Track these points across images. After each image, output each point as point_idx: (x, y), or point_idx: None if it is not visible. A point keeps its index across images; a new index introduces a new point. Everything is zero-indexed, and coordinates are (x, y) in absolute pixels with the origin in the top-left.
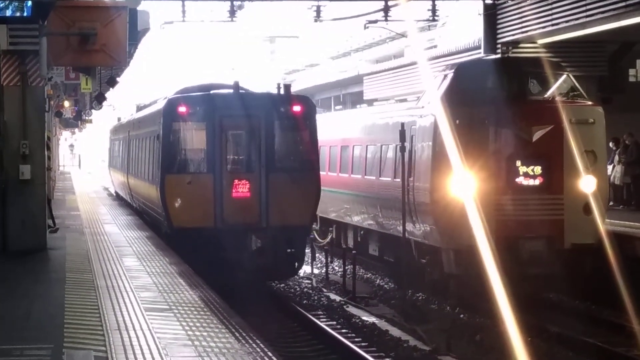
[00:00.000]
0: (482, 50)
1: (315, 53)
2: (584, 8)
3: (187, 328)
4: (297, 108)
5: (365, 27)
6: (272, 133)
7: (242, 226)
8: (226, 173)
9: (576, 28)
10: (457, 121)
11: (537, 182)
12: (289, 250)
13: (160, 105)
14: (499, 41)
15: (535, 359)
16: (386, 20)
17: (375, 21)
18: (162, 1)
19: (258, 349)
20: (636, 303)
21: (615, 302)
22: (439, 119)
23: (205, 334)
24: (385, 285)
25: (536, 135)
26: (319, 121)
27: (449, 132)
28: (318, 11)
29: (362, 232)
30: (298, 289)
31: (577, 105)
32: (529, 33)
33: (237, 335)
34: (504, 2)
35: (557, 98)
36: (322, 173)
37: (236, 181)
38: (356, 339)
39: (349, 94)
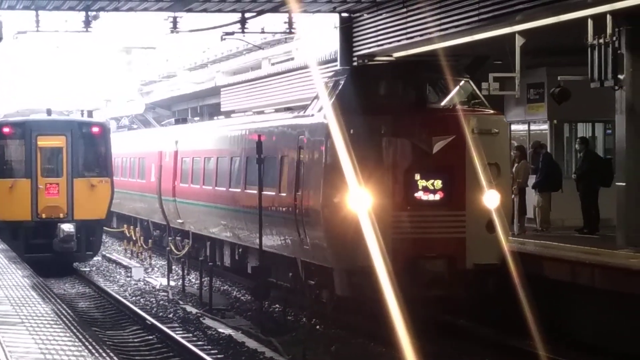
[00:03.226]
0: (338, 63)
1: (172, 64)
2: (437, 22)
3: (39, 341)
4: (95, 129)
5: (222, 39)
6: (76, 148)
7: (53, 219)
8: (40, 178)
9: (430, 42)
10: (352, 130)
11: (437, 197)
12: (91, 239)
13: None
14: (355, 54)
15: None
16: (243, 32)
17: (232, 33)
18: (15, 10)
19: None
20: (541, 327)
21: (519, 325)
22: (332, 128)
23: (57, 347)
24: (242, 297)
25: (436, 147)
26: (196, 130)
27: (342, 143)
28: (174, 22)
29: (240, 250)
30: (154, 302)
31: (480, 115)
32: (385, 46)
33: (91, 348)
34: (360, 16)
35: (458, 106)
36: (195, 186)
37: (48, 184)
38: (212, 351)
39: (206, 105)
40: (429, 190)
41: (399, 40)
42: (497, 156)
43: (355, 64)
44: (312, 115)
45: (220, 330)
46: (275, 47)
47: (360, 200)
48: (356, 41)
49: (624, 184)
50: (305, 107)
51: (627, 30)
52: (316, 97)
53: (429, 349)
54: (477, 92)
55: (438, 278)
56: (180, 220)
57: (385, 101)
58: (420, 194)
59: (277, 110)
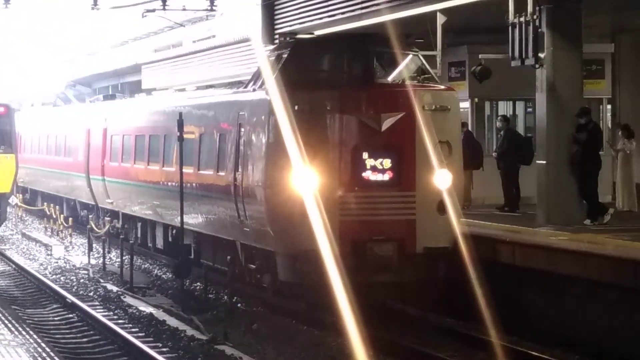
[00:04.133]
0: (260, 40)
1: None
2: (359, 0)
3: None
4: (1, 109)
5: (143, 16)
6: None
7: None
8: None
9: (352, 20)
10: (296, 107)
11: (386, 177)
12: None
13: None
14: (277, 32)
15: None
16: (164, 9)
17: (154, 10)
18: None
19: (31, 340)
20: (493, 313)
21: (471, 311)
22: (275, 105)
23: None
24: (163, 276)
25: (385, 124)
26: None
27: (286, 119)
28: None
29: (174, 231)
30: (75, 280)
31: (431, 90)
32: (306, 24)
33: (10, 326)
34: None
35: (408, 81)
36: (126, 165)
37: None
38: (133, 329)
39: (127, 83)
40: (377, 169)
41: (320, 18)
42: (449, 134)
43: (276, 41)
44: (254, 90)
45: (141, 308)
46: (197, 24)
47: (305, 180)
48: (278, 19)
49: (544, 162)
50: (244, 83)
51: (547, 9)
52: (257, 72)
53: (374, 335)
54: (427, 66)
55: (387, 262)
56: (109, 200)
57: (330, 76)
58: (368, 174)
59: (198, 88)
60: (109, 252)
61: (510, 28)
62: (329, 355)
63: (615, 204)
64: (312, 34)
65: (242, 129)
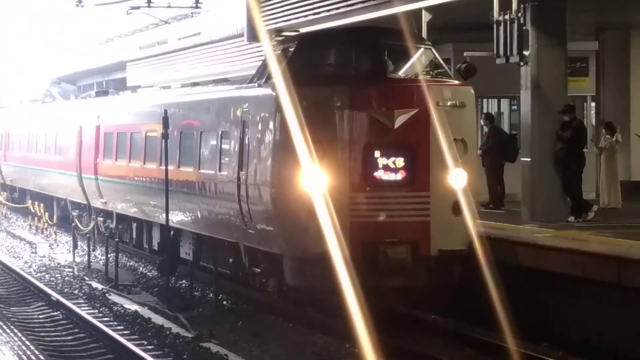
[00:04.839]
0: (245, 38)
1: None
2: None
3: None
4: None
5: (127, 13)
6: None
7: None
8: None
9: (337, 17)
10: (304, 103)
11: (399, 176)
12: None
13: None
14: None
15: None
16: (149, 6)
17: (138, 7)
18: None
19: (16, 338)
20: (510, 319)
21: (488, 317)
22: (283, 101)
23: None
24: (149, 273)
25: (398, 121)
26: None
27: (294, 116)
28: None
29: (172, 233)
30: (60, 278)
31: (445, 85)
32: (292, 22)
33: None
34: None
35: (421, 76)
36: (120, 164)
37: None
38: (118, 327)
39: (112, 80)
40: (390, 169)
41: (305, 16)
42: (464, 131)
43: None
44: (259, 86)
45: (126, 306)
46: (182, 21)
47: (313, 180)
48: (264, 16)
49: (528, 159)
50: (250, 79)
51: (532, 7)
52: (261, 67)
53: (388, 343)
54: (440, 60)
55: (400, 266)
56: (102, 200)
57: (340, 70)
58: (380, 173)
59: (183, 85)
60: (94, 250)
61: (495, 26)
62: (315, 352)
63: (599, 201)
64: (297, 31)
65: (247, 127)
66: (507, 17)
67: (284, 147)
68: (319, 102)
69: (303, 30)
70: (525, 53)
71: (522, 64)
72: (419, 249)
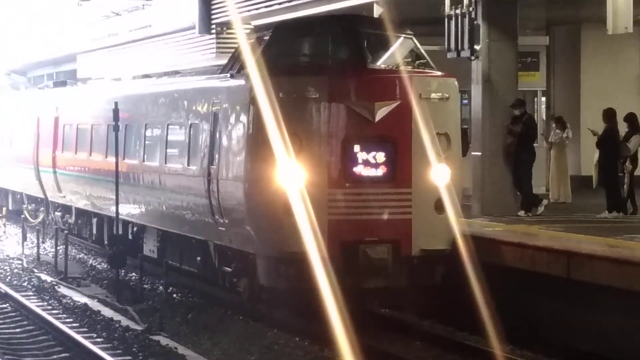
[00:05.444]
0: (196, 30)
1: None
2: None
3: None
4: None
5: (79, 5)
6: None
7: None
8: None
9: (290, 10)
10: (280, 94)
11: (379, 172)
12: None
13: None
14: (214, 22)
15: None
16: None
17: None
18: None
19: None
20: (495, 322)
21: (470, 320)
22: (257, 92)
23: None
24: (98, 266)
25: (379, 114)
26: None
27: (269, 108)
28: None
29: (135, 228)
30: (8, 270)
31: (428, 77)
32: (243, 14)
33: None
34: None
35: (402, 67)
36: (81, 157)
37: None
38: (67, 320)
39: (62, 72)
40: (370, 164)
41: (257, 9)
42: (447, 125)
43: (213, 32)
44: (231, 76)
45: (75, 298)
46: (133, 13)
47: (290, 175)
48: (215, 9)
49: (479, 153)
50: (221, 69)
51: (483, 1)
52: (233, 57)
53: (368, 345)
54: (422, 51)
55: (380, 266)
56: (61, 194)
57: (317, 60)
58: (360, 169)
59: (134, 78)
60: (43, 243)
61: (446, 20)
62: (264, 345)
63: (549, 195)
64: (249, 24)
65: (218, 119)
66: (458, 11)
67: (258, 140)
68: (296, 93)
69: (254, 23)
70: (477, 47)
71: (473, 58)
72: (400, 249)
